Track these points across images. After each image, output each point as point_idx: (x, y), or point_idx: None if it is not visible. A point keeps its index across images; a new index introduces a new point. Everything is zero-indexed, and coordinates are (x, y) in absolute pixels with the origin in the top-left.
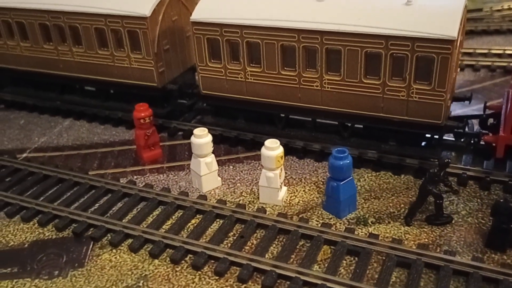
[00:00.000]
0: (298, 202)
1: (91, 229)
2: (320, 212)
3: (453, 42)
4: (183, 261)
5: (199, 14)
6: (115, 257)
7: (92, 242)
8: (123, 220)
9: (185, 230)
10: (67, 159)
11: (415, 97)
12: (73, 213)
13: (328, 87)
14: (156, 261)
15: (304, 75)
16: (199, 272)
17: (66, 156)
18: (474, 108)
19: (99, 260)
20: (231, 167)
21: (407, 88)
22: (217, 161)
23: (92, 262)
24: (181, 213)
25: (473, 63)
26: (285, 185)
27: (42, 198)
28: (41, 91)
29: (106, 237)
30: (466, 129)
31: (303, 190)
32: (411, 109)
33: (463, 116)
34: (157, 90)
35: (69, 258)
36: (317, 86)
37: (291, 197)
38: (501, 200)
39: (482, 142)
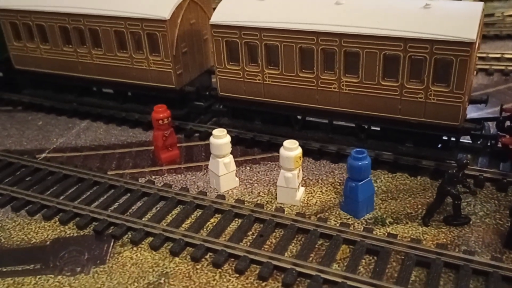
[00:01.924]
0: (316, 202)
1: (112, 227)
2: (338, 212)
3: (472, 44)
4: (203, 259)
5: (218, 17)
6: (136, 255)
7: (113, 240)
8: (143, 219)
9: (205, 229)
10: (86, 159)
11: (433, 99)
12: (94, 211)
13: (346, 89)
14: (177, 259)
15: (322, 77)
16: (220, 270)
17: (84, 157)
18: (488, 112)
19: (120, 258)
20: (247, 168)
21: (425, 90)
22: (234, 161)
23: (114, 260)
24: (200, 212)
25: (487, 67)
26: (302, 186)
27: (62, 197)
28: (60, 93)
29: (126, 235)
30: (483, 131)
31: (320, 191)
32: (428, 111)
33: (480, 119)
34: (175, 92)
35: (90, 256)
36: (335, 88)
37: (308, 197)
38: None
39: (499, 145)
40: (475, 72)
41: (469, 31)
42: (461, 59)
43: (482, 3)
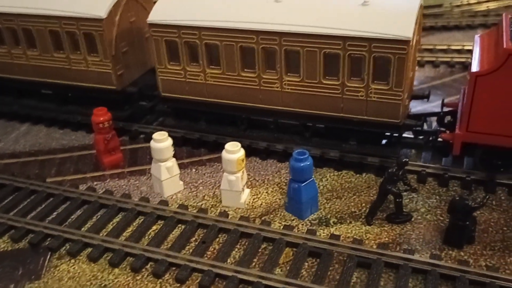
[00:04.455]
0: (261, 204)
1: (49, 239)
2: (282, 213)
3: (409, 42)
4: (143, 269)
5: (156, 15)
6: (74, 268)
7: (49, 253)
8: (82, 229)
9: (146, 237)
10: (24, 166)
11: (374, 97)
12: (30, 223)
13: (288, 88)
14: (116, 270)
15: (264, 76)
16: (160, 280)
17: (22, 163)
18: (434, 105)
19: (57, 271)
20: (193, 170)
21: (366, 88)
22: (179, 164)
23: (50, 274)
24: (142, 220)
25: (433, 59)
26: (247, 187)
27: None
28: None
29: (64, 247)
30: (425, 127)
31: (266, 192)
32: (370, 109)
33: (421, 114)
34: (116, 92)
35: (25, 270)
36: (277, 87)
37: (254, 199)
38: (457, 198)
39: (440, 140)
40: (415, 68)
41: (406, 29)
42: (399, 57)
43: None
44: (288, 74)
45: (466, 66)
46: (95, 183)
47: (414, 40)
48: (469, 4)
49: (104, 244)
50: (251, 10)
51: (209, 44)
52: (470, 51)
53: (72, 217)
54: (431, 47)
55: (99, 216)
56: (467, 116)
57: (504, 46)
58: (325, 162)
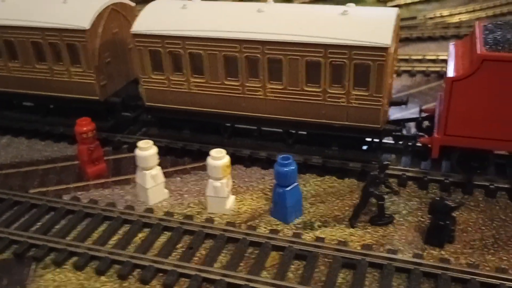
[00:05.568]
0: (246, 210)
1: (33, 249)
2: (268, 219)
3: (387, 49)
4: (130, 276)
5: (140, 26)
6: (59, 277)
7: (34, 263)
8: (67, 238)
9: (132, 245)
10: (6, 178)
11: (354, 103)
12: (13, 233)
13: (271, 96)
14: (103, 277)
15: (247, 84)
16: (148, 286)
17: (4, 175)
18: (412, 112)
19: (42, 281)
20: (178, 178)
21: (347, 94)
22: (164, 172)
23: (35, 284)
24: (127, 228)
25: (410, 68)
26: (233, 194)
27: None
28: None
29: (49, 257)
30: (404, 132)
31: (251, 198)
32: (351, 115)
33: (400, 120)
34: (100, 103)
35: (10, 281)
36: (260, 95)
37: (239, 205)
38: (437, 198)
39: (418, 144)
40: (394, 74)
41: (385, 36)
42: (378, 64)
43: (397, 8)
44: (271, 82)
45: (441, 75)
46: (79, 193)
47: (393, 48)
48: (442, 16)
49: (89, 252)
50: (234, 19)
51: (193, 53)
52: (444, 61)
53: (57, 227)
54: (407, 57)
55: (84, 225)
56: (444, 120)
57: (478, 52)
58: (308, 168)
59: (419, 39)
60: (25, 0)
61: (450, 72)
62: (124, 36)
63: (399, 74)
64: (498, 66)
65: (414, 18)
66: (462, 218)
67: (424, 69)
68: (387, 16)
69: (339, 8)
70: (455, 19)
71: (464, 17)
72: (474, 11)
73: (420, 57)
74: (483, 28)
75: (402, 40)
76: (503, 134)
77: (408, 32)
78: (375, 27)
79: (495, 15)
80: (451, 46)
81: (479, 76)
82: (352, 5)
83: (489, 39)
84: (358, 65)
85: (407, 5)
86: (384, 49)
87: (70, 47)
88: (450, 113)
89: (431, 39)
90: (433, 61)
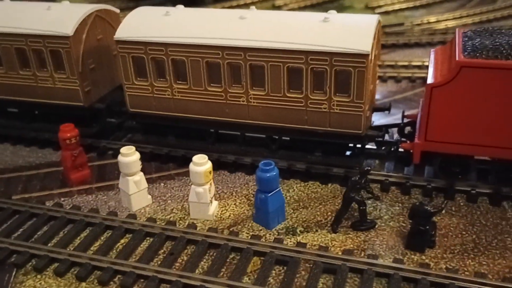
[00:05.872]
0: (229, 215)
1: (14, 255)
2: (250, 224)
3: (368, 56)
4: (111, 282)
5: (123, 32)
6: (40, 283)
7: (15, 269)
8: (49, 244)
9: (114, 251)
10: None
11: (336, 109)
12: None
13: (254, 102)
14: (84, 284)
15: (230, 90)
16: None
17: None
18: (396, 117)
19: (23, 287)
20: (162, 184)
21: (328, 100)
22: (148, 179)
23: None
24: (109, 234)
25: (395, 74)
26: (216, 200)
27: None
28: None
29: (30, 263)
30: (387, 138)
31: (234, 204)
32: (333, 121)
33: (383, 126)
34: (84, 109)
35: None
36: (243, 101)
37: (222, 211)
38: (418, 204)
39: (401, 149)
40: (376, 81)
41: (365, 43)
42: (358, 70)
43: (377, 15)
44: (254, 88)
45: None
46: (62, 199)
47: (373, 54)
48: (428, 23)
49: (70, 259)
50: (217, 26)
51: (175, 59)
52: None
53: (39, 233)
54: (393, 63)
55: (66, 231)
56: (424, 126)
57: (457, 59)
58: (292, 173)
59: (406, 45)
60: (8, 6)
61: (430, 79)
62: (109, 43)
63: (384, 80)
64: (476, 72)
65: (401, 24)
66: (443, 223)
67: (409, 75)
68: (368, 23)
69: (320, 15)
70: (442, 25)
71: (451, 23)
72: (461, 17)
73: (406, 63)
74: (462, 35)
75: (389, 46)
76: (483, 139)
77: (395, 38)
78: (355, 34)
79: (482, 22)
80: (432, 53)
81: (457, 82)
82: (333, 12)
83: (468, 46)
84: (339, 71)
85: (395, 11)
86: (364, 55)
87: (53, 54)
88: (430, 119)
89: (417, 45)
90: (419, 67)
